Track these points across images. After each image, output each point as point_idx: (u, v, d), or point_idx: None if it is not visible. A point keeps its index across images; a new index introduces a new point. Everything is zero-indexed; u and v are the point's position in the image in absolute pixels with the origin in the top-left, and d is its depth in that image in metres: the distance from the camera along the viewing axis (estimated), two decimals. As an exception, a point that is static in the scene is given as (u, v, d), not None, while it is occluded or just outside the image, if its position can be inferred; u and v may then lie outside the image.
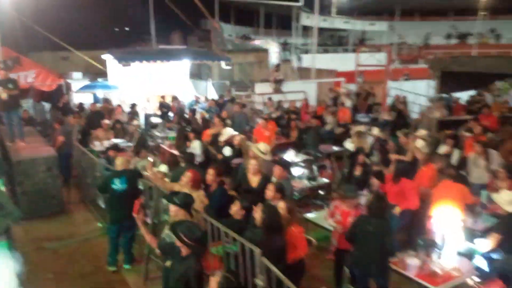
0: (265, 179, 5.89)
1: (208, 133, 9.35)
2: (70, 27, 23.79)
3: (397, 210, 5.94)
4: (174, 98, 15.32)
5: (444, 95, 13.60)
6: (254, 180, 5.97)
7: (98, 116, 12.09)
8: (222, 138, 8.70)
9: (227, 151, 8.43)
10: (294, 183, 7.37)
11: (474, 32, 34.45)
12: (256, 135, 10.08)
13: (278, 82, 17.33)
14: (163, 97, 15.69)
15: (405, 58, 32.78)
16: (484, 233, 5.72)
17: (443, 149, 8.48)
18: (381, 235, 4.53)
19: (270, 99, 15.23)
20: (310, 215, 6.48)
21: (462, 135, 9.30)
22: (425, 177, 6.74)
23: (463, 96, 15.41)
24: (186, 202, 4.48)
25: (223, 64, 16.91)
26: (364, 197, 6.41)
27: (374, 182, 6.41)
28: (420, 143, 8.07)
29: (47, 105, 14.60)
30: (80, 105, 13.56)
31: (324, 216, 5.74)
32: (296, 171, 8.20)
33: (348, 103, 15.04)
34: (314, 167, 9.12)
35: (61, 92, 14.93)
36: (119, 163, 6.10)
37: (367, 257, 4.64)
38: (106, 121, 11.24)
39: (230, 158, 8.26)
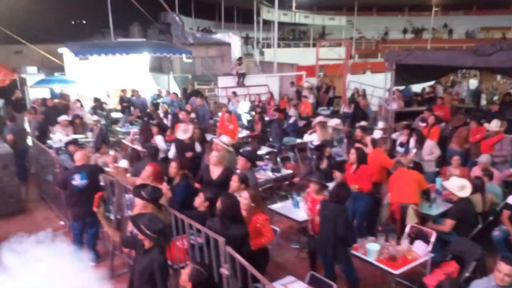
0: (227, 171, 5.93)
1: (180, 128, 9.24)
2: (24, 20, 22.76)
3: (355, 188, 6.08)
4: (134, 92, 15.03)
5: (403, 87, 14.16)
6: (215, 172, 5.99)
7: (56, 111, 11.71)
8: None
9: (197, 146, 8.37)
10: (258, 174, 7.43)
11: (428, 27, 35.67)
12: (220, 128, 10.10)
13: (241, 76, 17.37)
14: (123, 91, 15.38)
15: (364, 52, 33.62)
16: (439, 218, 6.08)
17: (400, 138, 8.81)
18: (334, 218, 4.67)
19: (234, 93, 15.26)
20: (275, 206, 6.55)
21: (418, 125, 9.65)
22: (374, 160, 6.87)
23: (418, 88, 16.02)
24: (153, 196, 4.43)
25: (184, 57, 16.72)
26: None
27: (337, 175, 6.59)
28: (378, 134, 8.36)
29: (0, 101, 13.95)
30: (43, 101, 13.02)
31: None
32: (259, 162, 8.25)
33: (311, 97, 15.28)
34: (278, 159, 9.26)
35: (15, 87, 14.29)
36: (78, 158, 5.94)
37: (324, 240, 4.82)
38: (64, 117, 10.90)
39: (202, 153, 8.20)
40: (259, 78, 18.33)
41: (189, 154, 7.69)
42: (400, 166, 6.49)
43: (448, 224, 5.63)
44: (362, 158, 6.33)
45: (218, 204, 4.18)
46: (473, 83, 18.40)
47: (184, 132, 7.98)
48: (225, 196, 4.27)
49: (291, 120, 11.76)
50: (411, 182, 6.08)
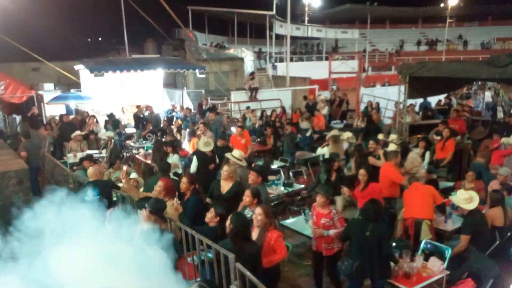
0: (236, 186, 5.93)
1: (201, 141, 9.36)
2: (41, 37, 23.40)
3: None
4: (148, 107, 15.22)
5: (421, 100, 14.06)
6: (225, 187, 6.00)
7: (71, 127, 11.91)
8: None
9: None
10: (270, 189, 7.40)
11: (443, 39, 35.52)
12: (233, 142, 10.13)
13: (254, 90, 17.50)
14: (138, 107, 15.60)
15: (377, 65, 33.57)
16: (454, 234, 5.96)
17: (415, 152, 8.70)
18: (378, 238, 4.56)
19: (248, 108, 15.30)
20: (287, 222, 6.49)
21: (433, 138, 9.57)
22: (384, 174, 6.87)
23: (434, 101, 15.86)
24: (157, 208, 4.43)
25: (197, 72, 16.88)
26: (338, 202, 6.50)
27: (344, 190, 6.55)
28: (392, 147, 8.22)
29: (18, 118, 14.28)
30: (60, 117, 13.28)
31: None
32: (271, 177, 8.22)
33: (325, 110, 15.29)
34: (291, 174, 9.21)
35: (32, 104, 14.63)
36: (91, 173, 6.00)
37: (368, 262, 4.61)
38: (78, 132, 11.06)
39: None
40: (271, 92, 18.41)
41: (211, 167, 7.81)
42: (414, 180, 6.38)
43: (463, 240, 5.48)
44: (371, 177, 6.30)
45: (228, 223, 4.16)
46: (489, 95, 18.14)
47: (205, 145, 8.10)
48: (235, 216, 4.24)
49: (307, 133, 11.68)
50: (426, 197, 5.98)
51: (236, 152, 7.35)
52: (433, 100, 15.63)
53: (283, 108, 16.29)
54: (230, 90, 18.60)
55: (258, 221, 4.49)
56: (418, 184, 6.26)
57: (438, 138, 9.29)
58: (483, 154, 8.89)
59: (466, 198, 5.67)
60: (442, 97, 15.75)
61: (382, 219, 4.73)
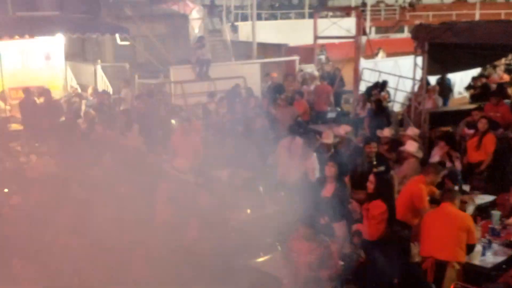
0: None
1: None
2: None
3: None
4: (42, 91, 14.78)
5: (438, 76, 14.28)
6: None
7: None
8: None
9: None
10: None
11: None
12: (176, 144, 10.17)
13: (203, 64, 17.19)
14: (26, 90, 15.14)
15: (383, 25, 33.97)
16: (496, 273, 6.06)
17: (434, 155, 8.94)
18: None
19: (212, 95, 14.72)
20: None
21: (463, 132, 9.81)
22: (409, 191, 6.99)
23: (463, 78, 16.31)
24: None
25: (118, 38, 16.57)
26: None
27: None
28: (412, 147, 8.36)
29: None
30: None
31: None
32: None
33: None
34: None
35: None
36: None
37: None
38: None
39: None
40: (230, 66, 18.18)
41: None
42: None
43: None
44: (381, 190, 6.48)
45: None
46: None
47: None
48: None
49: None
50: (455, 229, 5.97)
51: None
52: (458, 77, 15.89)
53: (248, 91, 16.14)
54: (169, 64, 18.29)
55: None
56: (445, 208, 6.21)
57: (471, 132, 9.40)
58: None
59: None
60: (475, 72, 16.08)
61: None
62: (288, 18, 31.79)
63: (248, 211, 8.07)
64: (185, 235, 5.96)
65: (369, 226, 6.36)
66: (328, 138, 9.11)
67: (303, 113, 13.62)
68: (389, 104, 14.48)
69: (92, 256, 5.79)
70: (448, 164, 8.54)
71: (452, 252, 5.88)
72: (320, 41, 19.41)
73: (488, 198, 8.14)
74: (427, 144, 10.02)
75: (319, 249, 5.35)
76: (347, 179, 8.15)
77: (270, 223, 8.14)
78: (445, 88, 15.10)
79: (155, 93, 15.10)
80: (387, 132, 9.59)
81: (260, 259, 6.69)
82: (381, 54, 20.87)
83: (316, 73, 17.46)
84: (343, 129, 9.75)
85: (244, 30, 23.36)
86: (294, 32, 21.63)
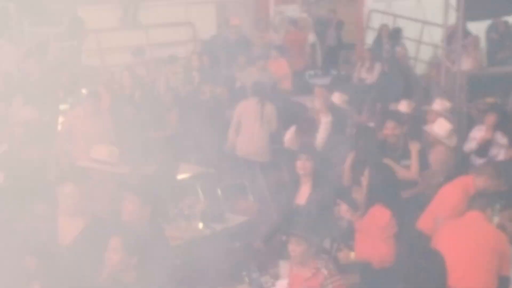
0: None
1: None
2: None
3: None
4: None
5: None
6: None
7: None
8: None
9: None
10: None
11: None
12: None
13: (130, 3, 14.70)
14: None
15: None
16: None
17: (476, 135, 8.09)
18: None
19: (141, 53, 12.85)
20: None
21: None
22: (446, 196, 6.23)
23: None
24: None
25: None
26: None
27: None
28: (441, 128, 7.59)
29: None
30: None
31: None
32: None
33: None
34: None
35: None
36: None
37: None
38: None
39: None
40: (171, 8, 15.46)
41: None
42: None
43: None
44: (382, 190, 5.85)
45: None
46: None
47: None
48: None
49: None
50: (484, 251, 5.25)
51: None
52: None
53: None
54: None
55: None
56: (477, 219, 5.42)
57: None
58: None
59: None
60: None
61: None
62: None
63: (200, 225, 7.49)
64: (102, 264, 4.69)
65: (368, 245, 5.57)
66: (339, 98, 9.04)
67: (282, 77, 12.17)
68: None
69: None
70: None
71: (478, 283, 5.23)
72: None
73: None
74: (465, 123, 9.21)
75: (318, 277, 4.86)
76: (346, 171, 7.24)
77: (233, 240, 7.83)
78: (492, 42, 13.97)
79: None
80: (405, 106, 8.80)
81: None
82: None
83: (306, 17, 15.86)
84: (338, 97, 9.08)
85: None
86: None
